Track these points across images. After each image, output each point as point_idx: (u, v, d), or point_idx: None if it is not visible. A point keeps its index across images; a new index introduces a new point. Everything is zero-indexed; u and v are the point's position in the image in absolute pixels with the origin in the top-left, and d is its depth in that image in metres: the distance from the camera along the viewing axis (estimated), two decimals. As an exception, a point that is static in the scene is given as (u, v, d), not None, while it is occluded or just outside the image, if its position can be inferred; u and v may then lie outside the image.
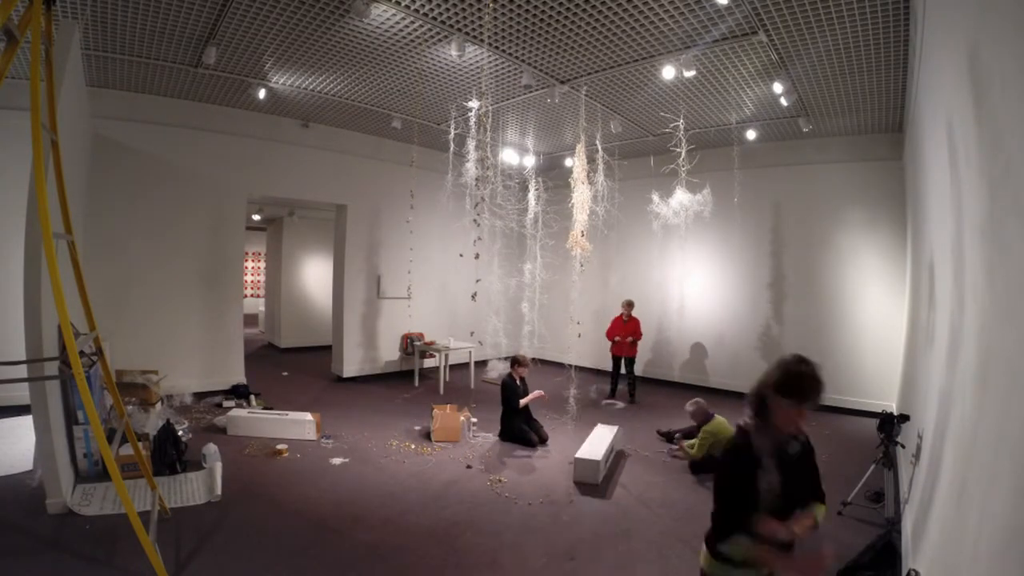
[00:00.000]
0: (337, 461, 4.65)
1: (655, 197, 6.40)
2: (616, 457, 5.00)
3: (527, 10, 4.14)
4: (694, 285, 8.35)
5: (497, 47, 4.81)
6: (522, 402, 5.44)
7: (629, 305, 7.46)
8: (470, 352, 8.08)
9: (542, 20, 4.29)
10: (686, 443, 4.98)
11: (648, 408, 7.00)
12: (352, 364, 8.02)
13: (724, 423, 4.78)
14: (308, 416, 5.32)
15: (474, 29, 4.47)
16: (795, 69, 4.98)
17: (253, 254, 16.01)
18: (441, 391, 7.50)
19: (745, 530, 1.60)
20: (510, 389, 5.46)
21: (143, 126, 6.14)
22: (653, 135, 7.30)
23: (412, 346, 8.34)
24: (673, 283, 8.51)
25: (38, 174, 2.53)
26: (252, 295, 15.84)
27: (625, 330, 7.33)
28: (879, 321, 6.80)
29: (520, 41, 4.69)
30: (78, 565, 2.86)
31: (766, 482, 1.62)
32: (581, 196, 5.47)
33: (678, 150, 5.60)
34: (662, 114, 6.38)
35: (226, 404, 6.20)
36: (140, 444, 3.60)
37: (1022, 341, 1.19)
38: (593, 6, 4.02)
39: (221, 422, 5.37)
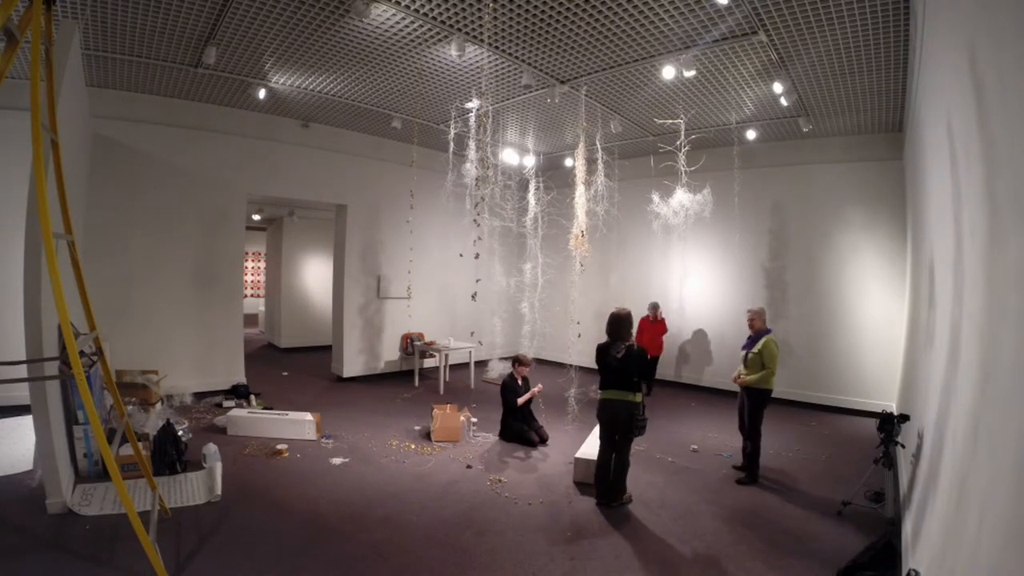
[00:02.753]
0: (337, 461, 4.65)
1: (655, 197, 6.40)
2: (616, 457, 5.00)
3: (527, 10, 4.14)
4: (694, 285, 8.35)
5: (497, 47, 4.81)
6: (519, 400, 5.43)
7: (656, 307, 7.83)
8: (470, 352, 8.08)
9: (542, 20, 4.29)
10: (741, 373, 4.65)
11: (647, 407, 6.99)
12: (352, 364, 8.03)
13: (773, 341, 4.53)
14: (308, 416, 5.32)
15: (474, 29, 4.47)
16: (795, 69, 4.98)
17: (253, 254, 16.01)
18: (441, 391, 7.50)
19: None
20: (509, 389, 5.46)
21: (143, 126, 6.14)
22: (653, 135, 7.30)
23: (412, 346, 8.34)
24: (673, 283, 8.51)
25: (38, 174, 2.53)
26: (252, 295, 15.84)
27: (654, 329, 7.73)
28: (879, 321, 6.80)
29: (520, 41, 4.69)
30: (78, 565, 2.85)
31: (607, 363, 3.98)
32: (581, 196, 5.47)
33: (673, 147, 5.60)
34: (662, 117, 6.38)
35: (226, 404, 6.20)
36: (140, 444, 3.60)
37: (1022, 340, 1.19)
38: (593, 6, 4.02)
39: (221, 422, 5.36)
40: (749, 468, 4.54)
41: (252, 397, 6.47)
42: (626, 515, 3.83)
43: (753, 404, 4.53)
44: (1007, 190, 1.33)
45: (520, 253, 9.25)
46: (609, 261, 9.11)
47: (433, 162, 8.20)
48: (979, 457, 1.55)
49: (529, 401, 5.54)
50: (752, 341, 4.66)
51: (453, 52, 4.57)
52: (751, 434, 4.53)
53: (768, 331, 4.66)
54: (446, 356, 7.77)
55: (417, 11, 4.22)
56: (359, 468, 4.53)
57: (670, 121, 6.04)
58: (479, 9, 4.14)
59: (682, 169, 5.77)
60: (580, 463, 4.44)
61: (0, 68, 2.30)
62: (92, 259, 5.50)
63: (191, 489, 3.91)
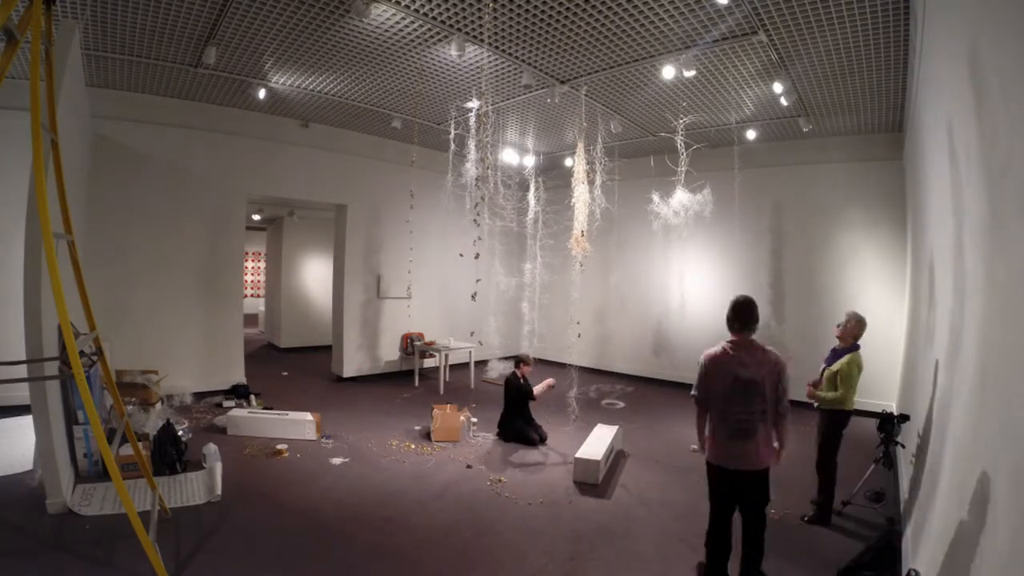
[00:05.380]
0: (337, 461, 4.65)
1: (655, 197, 6.40)
2: (616, 457, 5.00)
3: (527, 10, 4.14)
4: (694, 285, 8.34)
5: (497, 47, 4.80)
6: (535, 390, 5.34)
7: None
8: (470, 352, 8.08)
9: (542, 20, 4.29)
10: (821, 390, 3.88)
11: (647, 407, 7.00)
12: (352, 364, 8.02)
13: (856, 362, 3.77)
14: (308, 416, 5.32)
15: (474, 29, 4.47)
16: (795, 69, 4.98)
17: (253, 254, 16.00)
18: (441, 391, 7.50)
19: None
20: (513, 387, 5.43)
21: (143, 126, 6.14)
22: (653, 135, 7.29)
23: (412, 346, 8.34)
24: (673, 283, 8.51)
25: (38, 174, 2.53)
26: (252, 295, 15.84)
27: None
28: (879, 321, 6.72)
29: (520, 41, 4.69)
30: (78, 565, 2.85)
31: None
32: (581, 196, 5.47)
33: (678, 139, 5.58)
34: (662, 116, 6.38)
35: (226, 404, 6.20)
36: (140, 444, 3.60)
37: (1022, 340, 1.19)
38: (593, 6, 4.02)
39: (221, 422, 5.36)
40: (821, 504, 3.79)
41: (252, 397, 6.47)
42: (626, 515, 3.83)
43: (826, 427, 3.87)
44: (1007, 190, 1.33)
45: (520, 253, 9.25)
46: (609, 261, 9.11)
47: (433, 162, 8.20)
48: (979, 457, 1.55)
49: (533, 399, 5.48)
50: (835, 356, 3.92)
51: (453, 52, 4.57)
52: (822, 462, 3.86)
53: (857, 347, 3.85)
54: (446, 356, 7.77)
55: (417, 11, 4.22)
56: (359, 468, 4.53)
57: (679, 121, 5.99)
58: (479, 9, 4.13)
59: (682, 169, 5.76)
60: (580, 463, 4.44)
61: (0, 68, 2.30)
62: (92, 259, 5.49)
63: (191, 489, 3.91)
